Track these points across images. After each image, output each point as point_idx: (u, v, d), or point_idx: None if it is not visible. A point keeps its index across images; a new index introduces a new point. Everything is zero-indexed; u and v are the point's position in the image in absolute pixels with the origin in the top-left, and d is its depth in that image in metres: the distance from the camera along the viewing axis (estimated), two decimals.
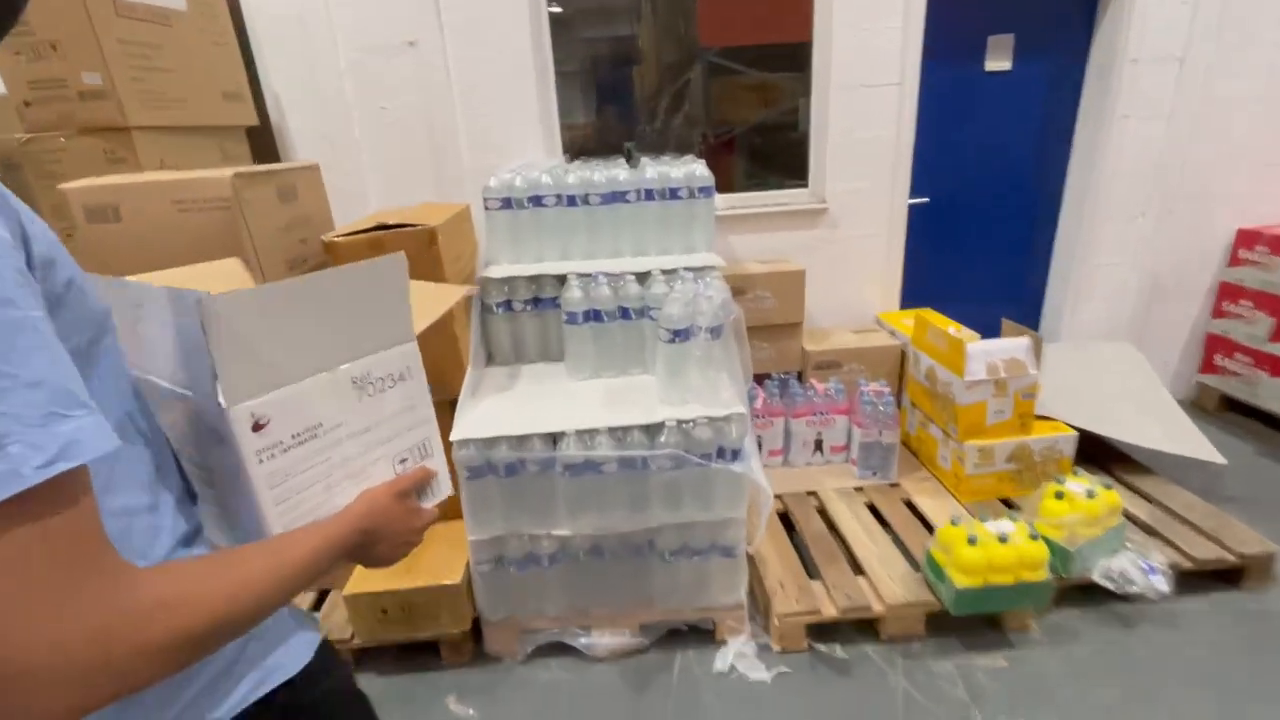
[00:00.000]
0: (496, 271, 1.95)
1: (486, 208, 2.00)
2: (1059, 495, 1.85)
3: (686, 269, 1.83)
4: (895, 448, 2.32)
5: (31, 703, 0.37)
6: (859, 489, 2.33)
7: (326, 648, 0.71)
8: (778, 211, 2.70)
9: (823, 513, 2.24)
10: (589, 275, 1.84)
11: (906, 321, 2.66)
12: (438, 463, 0.77)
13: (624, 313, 1.84)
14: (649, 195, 2.00)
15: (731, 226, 2.69)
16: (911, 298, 2.86)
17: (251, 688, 0.60)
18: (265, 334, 0.58)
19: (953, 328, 2.47)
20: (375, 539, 0.65)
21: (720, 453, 1.63)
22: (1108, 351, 2.68)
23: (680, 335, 1.61)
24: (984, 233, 2.91)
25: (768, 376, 2.54)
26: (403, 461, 0.73)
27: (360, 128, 2.45)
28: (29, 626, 0.38)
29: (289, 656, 0.64)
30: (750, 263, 2.62)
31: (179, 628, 0.43)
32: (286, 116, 2.44)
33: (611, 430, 1.61)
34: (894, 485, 2.34)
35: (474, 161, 2.50)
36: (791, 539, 2.13)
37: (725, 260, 2.17)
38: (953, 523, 1.78)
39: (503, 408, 1.74)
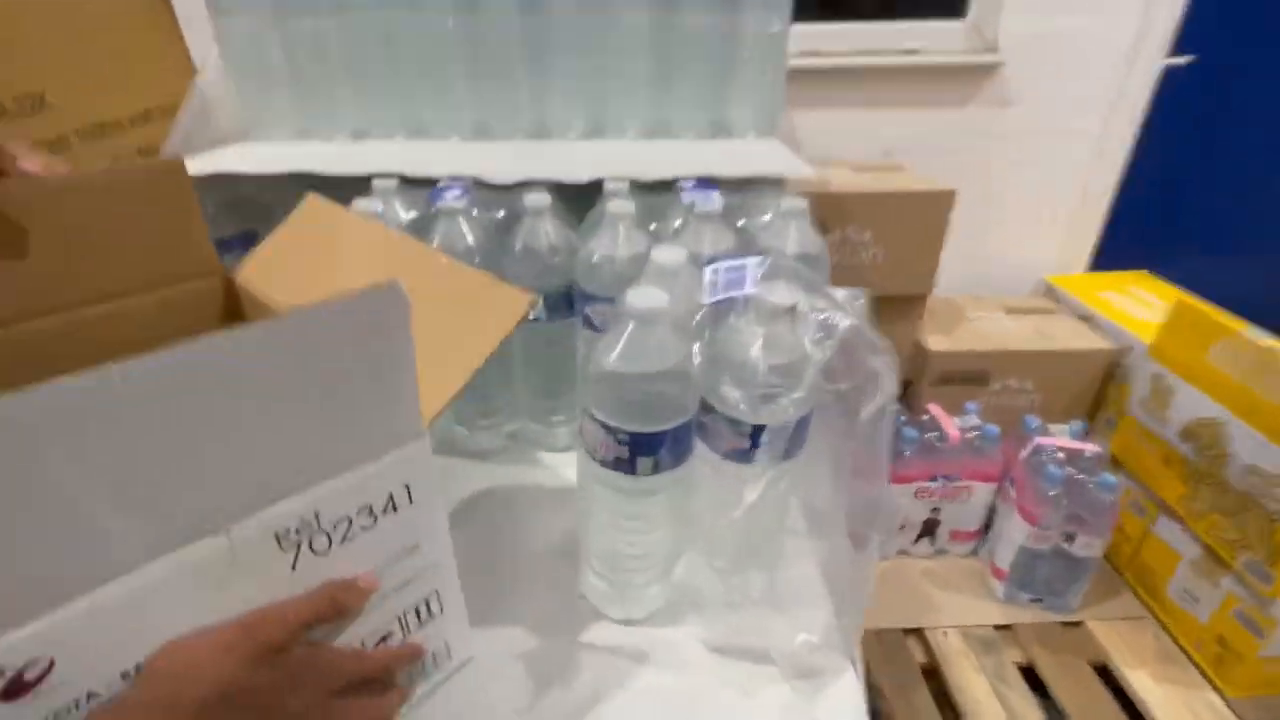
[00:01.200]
0: (239, 159, 0.76)
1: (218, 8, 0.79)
2: None
3: (705, 180, 0.63)
4: (1093, 565, 1.19)
5: None
6: (1005, 627, 1.23)
7: None
8: (899, 65, 1.40)
9: (932, 675, 1.16)
10: (458, 179, 0.65)
11: (1109, 297, 1.44)
12: (446, 623, 0.43)
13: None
14: None
15: (802, 89, 1.41)
16: (1112, 251, 1.61)
17: None
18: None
19: (1244, 329, 1.24)
20: None
21: None
22: None
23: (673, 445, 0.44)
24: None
25: None
26: (383, 639, 0.39)
27: None
28: None
29: None
30: (836, 166, 1.36)
31: None
32: None
33: None
34: (1071, 624, 1.23)
35: None
36: None
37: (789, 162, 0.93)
38: None
39: None
